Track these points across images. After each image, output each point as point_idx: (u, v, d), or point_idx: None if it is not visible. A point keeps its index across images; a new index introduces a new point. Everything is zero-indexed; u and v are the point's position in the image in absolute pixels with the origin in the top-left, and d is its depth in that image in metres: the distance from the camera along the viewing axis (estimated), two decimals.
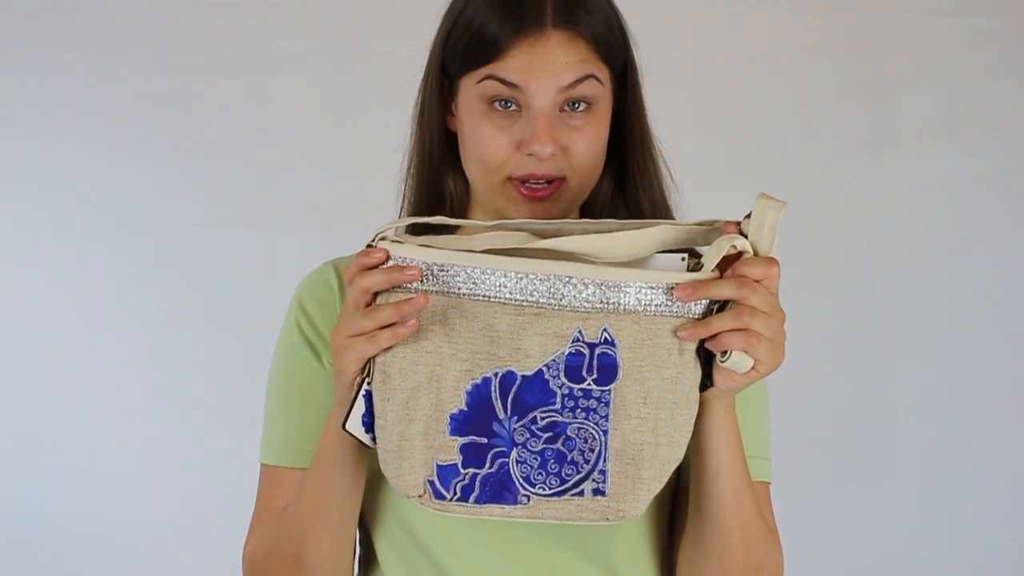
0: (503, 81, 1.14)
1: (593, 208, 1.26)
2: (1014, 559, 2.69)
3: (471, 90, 1.17)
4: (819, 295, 2.61)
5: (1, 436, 2.54)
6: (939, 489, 2.67)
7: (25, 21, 2.52)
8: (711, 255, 1.04)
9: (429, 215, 1.27)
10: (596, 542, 1.20)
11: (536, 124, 1.14)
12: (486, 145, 1.16)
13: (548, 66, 1.13)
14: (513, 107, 1.16)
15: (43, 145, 2.53)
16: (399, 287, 1.05)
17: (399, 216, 1.30)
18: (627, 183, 1.25)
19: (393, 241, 1.06)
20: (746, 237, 1.04)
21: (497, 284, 1.05)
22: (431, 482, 1.06)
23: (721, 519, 1.14)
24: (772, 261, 1.04)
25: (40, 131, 2.53)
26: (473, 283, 1.05)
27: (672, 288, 1.04)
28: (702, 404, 1.09)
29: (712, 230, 1.07)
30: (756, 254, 1.05)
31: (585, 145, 1.17)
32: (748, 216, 1.05)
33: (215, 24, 2.54)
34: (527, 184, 1.17)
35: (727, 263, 1.05)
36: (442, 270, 1.05)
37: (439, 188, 1.26)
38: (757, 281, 1.03)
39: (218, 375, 2.52)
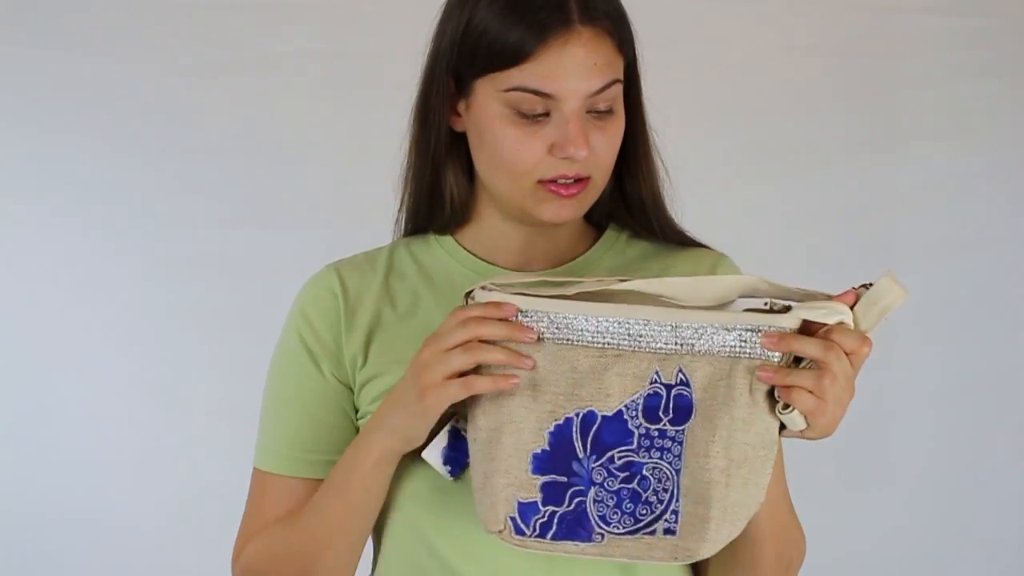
0: (536, 92, 1.13)
1: (595, 204, 1.26)
2: (1014, 560, 2.69)
3: (494, 95, 1.15)
4: None
5: (3, 433, 2.53)
6: (939, 489, 2.66)
7: (25, 21, 2.51)
8: (810, 312, 1.04)
9: (428, 216, 1.28)
10: None
11: (570, 128, 1.13)
12: (516, 151, 1.15)
13: (578, 69, 1.13)
14: (541, 111, 1.14)
15: (43, 145, 2.52)
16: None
17: (397, 217, 1.31)
18: (628, 175, 1.26)
19: (488, 289, 1.10)
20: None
21: (579, 328, 1.08)
22: (512, 519, 1.08)
23: (755, 532, 1.14)
24: (867, 340, 1.04)
25: (40, 131, 2.52)
26: (556, 328, 1.08)
27: (751, 331, 1.05)
28: None
29: (807, 296, 1.07)
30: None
31: (608, 144, 1.17)
32: (865, 286, 1.06)
33: (215, 24, 2.54)
34: (556, 182, 1.17)
35: (810, 325, 1.05)
36: (526, 316, 1.08)
37: (439, 189, 1.25)
38: (847, 353, 1.03)
39: (218, 375, 2.51)
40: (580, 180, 1.17)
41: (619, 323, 1.07)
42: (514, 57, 1.13)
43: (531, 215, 1.19)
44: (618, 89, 1.16)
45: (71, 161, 2.53)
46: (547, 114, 1.14)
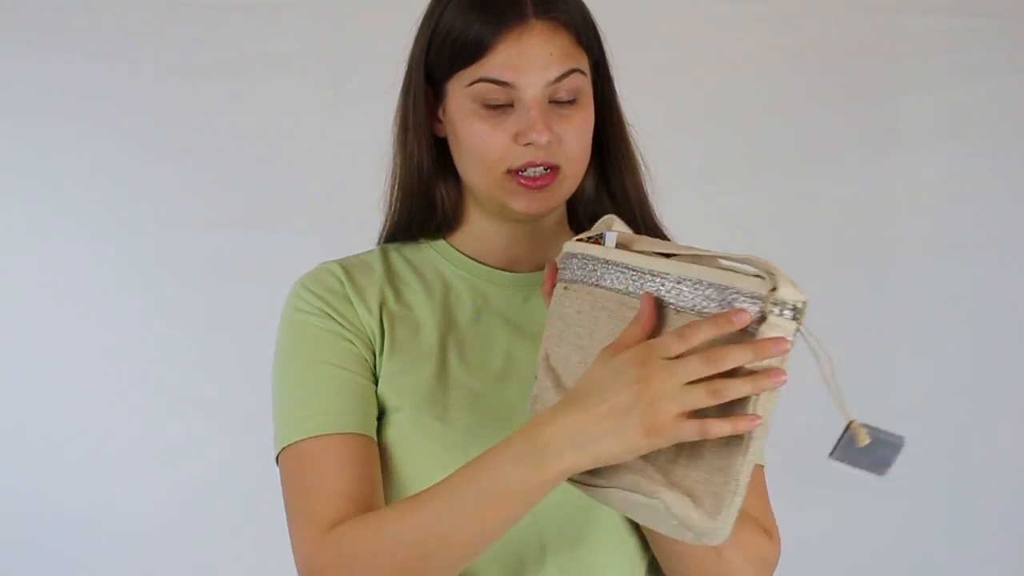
0: (495, 81, 1.17)
1: (580, 200, 1.30)
2: (1013, 560, 2.69)
3: (461, 92, 1.20)
4: (818, 295, 2.60)
5: (0, 432, 2.54)
6: (938, 489, 2.66)
7: (25, 21, 2.52)
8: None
9: (420, 225, 1.30)
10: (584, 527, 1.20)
11: (531, 115, 1.17)
12: (483, 141, 1.19)
13: (535, 58, 1.17)
14: (504, 102, 1.18)
15: (43, 145, 2.53)
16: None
17: (384, 228, 1.32)
18: (611, 170, 1.29)
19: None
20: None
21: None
22: None
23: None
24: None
25: (40, 131, 2.52)
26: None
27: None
28: None
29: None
30: None
31: (575, 134, 1.20)
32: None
33: (215, 24, 2.54)
34: (525, 173, 1.19)
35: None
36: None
37: (430, 197, 1.28)
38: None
39: (217, 374, 2.52)
40: (550, 170, 1.19)
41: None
42: (475, 51, 1.18)
43: (507, 208, 1.22)
44: (580, 80, 1.20)
45: (69, 161, 2.53)
46: (511, 105, 1.18)
